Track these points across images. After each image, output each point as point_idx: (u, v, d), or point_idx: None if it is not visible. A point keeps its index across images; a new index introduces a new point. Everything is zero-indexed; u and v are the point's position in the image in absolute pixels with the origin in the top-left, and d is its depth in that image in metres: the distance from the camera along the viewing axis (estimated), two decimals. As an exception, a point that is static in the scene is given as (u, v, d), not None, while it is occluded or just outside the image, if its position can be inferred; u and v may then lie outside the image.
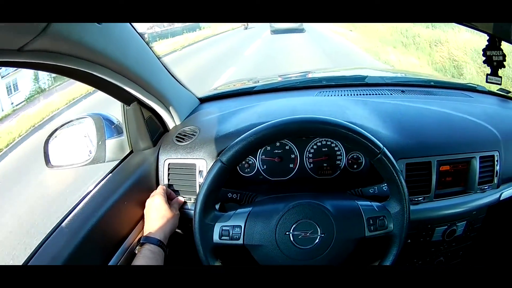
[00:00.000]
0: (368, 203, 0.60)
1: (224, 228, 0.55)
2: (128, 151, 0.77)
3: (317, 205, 0.55)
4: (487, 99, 1.18)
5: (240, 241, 0.55)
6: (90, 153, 0.74)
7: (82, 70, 0.53)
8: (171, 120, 0.81)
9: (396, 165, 0.57)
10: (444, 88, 1.19)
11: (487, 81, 0.88)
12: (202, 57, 8.60)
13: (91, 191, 0.67)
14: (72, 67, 0.51)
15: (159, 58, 0.73)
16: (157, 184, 0.75)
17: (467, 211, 0.82)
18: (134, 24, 0.64)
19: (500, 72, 0.90)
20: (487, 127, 0.89)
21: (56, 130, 0.75)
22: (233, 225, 0.55)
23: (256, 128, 0.54)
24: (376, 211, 0.58)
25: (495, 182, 0.86)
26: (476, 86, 1.26)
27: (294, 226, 0.54)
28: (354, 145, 0.58)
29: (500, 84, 0.91)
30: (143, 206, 0.70)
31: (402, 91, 1.05)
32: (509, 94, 1.29)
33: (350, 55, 6.88)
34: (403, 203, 0.58)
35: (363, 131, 0.56)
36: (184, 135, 0.77)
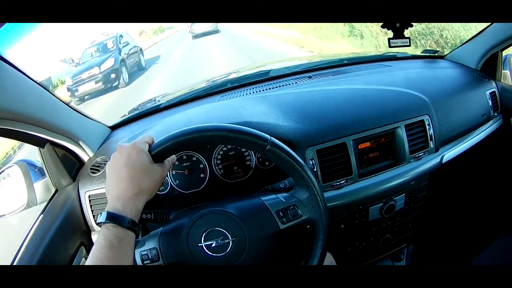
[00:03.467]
0: (273, 196, 0.58)
1: (142, 253, 0.55)
2: (53, 190, 0.80)
3: (220, 211, 0.55)
4: (410, 64, 1.14)
5: (160, 262, 0.55)
6: (24, 198, 0.77)
7: None
8: (84, 154, 0.83)
9: (290, 151, 0.56)
10: (359, 63, 1.14)
11: (390, 46, 0.86)
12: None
13: (28, 233, 0.72)
14: None
15: (59, 98, 0.76)
16: (84, 217, 0.77)
17: (402, 183, 0.80)
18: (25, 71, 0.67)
19: (407, 32, 0.85)
20: (409, 92, 0.86)
21: (-9, 183, 0.80)
22: (149, 249, 0.55)
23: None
24: (284, 202, 0.57)
25: (431, 146, 0.84)
26: (396, 53, 1.21)
27: (203, 236, 0.54)
28: (240, 144, 0.56)
29: (409, 46, 0.88)
30: (76, 240, 0.72)
31: (309, 77, 1.02)
32: (436, 54, 1.22)
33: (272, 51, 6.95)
34: (311, 186, 0.56)
35: (244, 127, 0.55)
36: (98, 166, 0.79)
